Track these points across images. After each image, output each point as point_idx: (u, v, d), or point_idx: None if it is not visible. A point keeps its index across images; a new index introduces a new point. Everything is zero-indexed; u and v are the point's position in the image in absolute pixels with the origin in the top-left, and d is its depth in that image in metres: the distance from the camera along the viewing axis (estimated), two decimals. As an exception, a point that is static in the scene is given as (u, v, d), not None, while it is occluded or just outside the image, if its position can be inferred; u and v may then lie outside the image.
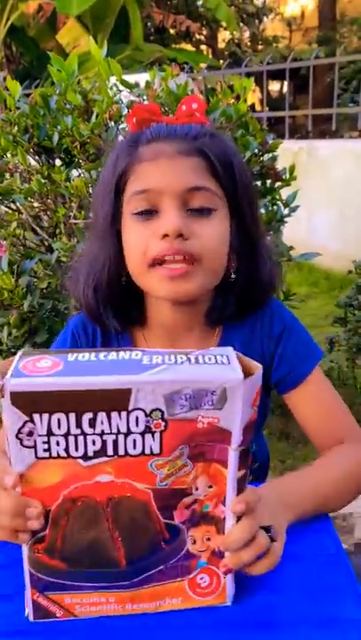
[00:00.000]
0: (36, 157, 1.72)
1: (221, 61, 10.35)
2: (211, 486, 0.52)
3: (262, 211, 1.61)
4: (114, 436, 0.47)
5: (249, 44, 11.85)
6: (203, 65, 8.65)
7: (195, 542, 0.53)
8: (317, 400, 0.78)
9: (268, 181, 1.71)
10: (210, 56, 11.02)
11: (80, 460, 0.48)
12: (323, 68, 8.01)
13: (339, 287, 3.55)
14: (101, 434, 0.47)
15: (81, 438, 0.47)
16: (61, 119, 1.61)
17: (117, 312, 0.77)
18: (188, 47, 11.00)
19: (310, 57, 4.31)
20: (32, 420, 0.46)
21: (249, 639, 0.54)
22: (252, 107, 10.72)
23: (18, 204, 1.65)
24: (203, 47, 11.80)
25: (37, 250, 1.62)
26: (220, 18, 8.56)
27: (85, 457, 0.48)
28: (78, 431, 0.46)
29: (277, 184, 1.73)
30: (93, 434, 0.47)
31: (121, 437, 0.47)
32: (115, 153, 0.75)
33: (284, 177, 1.72)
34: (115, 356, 0.48)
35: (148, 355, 0.48)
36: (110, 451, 0.47)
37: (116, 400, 0.45)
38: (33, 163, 1.70)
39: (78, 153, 1.58)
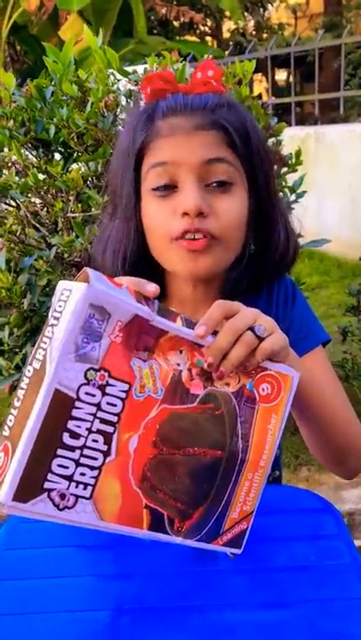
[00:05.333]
0: (34, 152, 1.68)
1: (226, 52, 10.27)
2: (181, 351, 0.51)
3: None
4: None
5: (254, 32, 11.69)
6: (207, 55, 8.53)
7: (228, 384, 0.54)
8: (320, 375, 0.74)
9: (274, 167, 1.65)
10: (215, 47, 10.89)
11: None
12: (329, 55, 7.84)
13: (351, 275, 3.47)
14: None
15: None
16: (57, 111, 1.56)
17: None
18: (193, 39, 10.88)
19: (315, 41, 4.22)
20: None
21: (253, 615, 0.49)
22: (259, 96, 10.59)
23: (17, 201, 1.61)
24: (208, 38, 11.67)
25: (37, 247, 1.58)
26: (224, 7, 8.44)
27: None
28: None
29: (283, 170, 1.67)
30: None
31: None
32: (130, 129, 0.74)
33: (289, 162, 1.66)
34: None
35: None
36: None
37: None
38: (31, 157, 1.65)
39: (75, 145, 1.53)
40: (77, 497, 0.46)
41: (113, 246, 0.76)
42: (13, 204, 1.67)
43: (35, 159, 1.63)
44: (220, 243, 0.70)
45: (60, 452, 0.45)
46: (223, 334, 0.51)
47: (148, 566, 0.59)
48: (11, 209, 1.65)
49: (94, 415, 0.46)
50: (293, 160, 1.66)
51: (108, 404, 0.47)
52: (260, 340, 0.52)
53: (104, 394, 0.47)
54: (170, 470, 0.51)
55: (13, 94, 1.63)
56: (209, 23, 11.45)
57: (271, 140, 1.62)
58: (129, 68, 1.99)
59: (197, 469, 0.53)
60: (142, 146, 0.71)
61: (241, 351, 0.52)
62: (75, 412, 0.45)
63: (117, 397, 0.47)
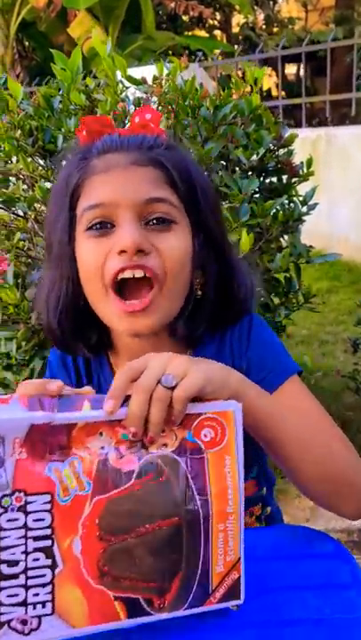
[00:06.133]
0: (42, 161, 1.66)
1: (236, 47, 10.13)
2: (101, 433, 0.49)
3: (278, 209, 1.52)
4: None
5: (264, 27, 11.57)
6: (217, 51, 8.48)
7: (166, 445, 0.51)
8: (292, 411, 0.67)
9: (285, 177, 1.62)
10: (224, 41, 10.80)
11: None
12: (341, 50, 7.74)
13: (362, 279, 3.43)
14: None
15: None
16: (64, 121, 1.54)
17: (83, 339, 0.72)
18: (202, 33, 10.80)
19: (328, 38, 4.15)
20: None
21: None
22: (268, 92, 10.49)
23: (23, 211, 1.59)
24: (217, 32, 11.57)
25: (44, 259, 1.57)
26: (234, 2, 8.36)
27: None
28: None
29: (294, 180, 1.64)
30: None
31: None
32: (65, 169, 0.70)
33: (300, 172, 1.63)
34: None
35: None
36: None
37: None
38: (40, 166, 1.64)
39: (83, 156, 1.51)
40: (39, 617, 0.46)
41: (46, 296, 0.71)
42: (21, 213, 1.66)
43: (42, 169, 1.61)
44: (164, 287, 0.64)
45: (3, 584, 0.45)
46: (134, 400, 0.49)
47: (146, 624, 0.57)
48: (19, 219, 1.63)
49: (25, 537, 0.46)
50: (305, 170, 1.63)
51: (34, 520, 0.46)
52: (173, 389, 0.49)
53: (27, 513, 0.46)
54: (128, 556, 0.49)
55: (21, 102, 1.61)
56: (218, 17, 11.35)
57: (282, 151, 1.59)
58: (137, 70, 1.96)
59: (157, 544, 0.50)
60: (76, 186, 0.66)
61: (158, 410, 0.49)
62: (3, 543, 0.45)
63: (43, 511, 0.46)
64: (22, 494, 0.46)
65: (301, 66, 10.44)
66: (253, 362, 0.72)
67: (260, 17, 11.74)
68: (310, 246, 1.59)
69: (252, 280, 0.75)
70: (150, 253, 0.63)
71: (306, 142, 3.62)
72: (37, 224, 1.58)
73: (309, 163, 1.64)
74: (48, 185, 1.54)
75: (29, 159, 1.54)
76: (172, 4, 8.77)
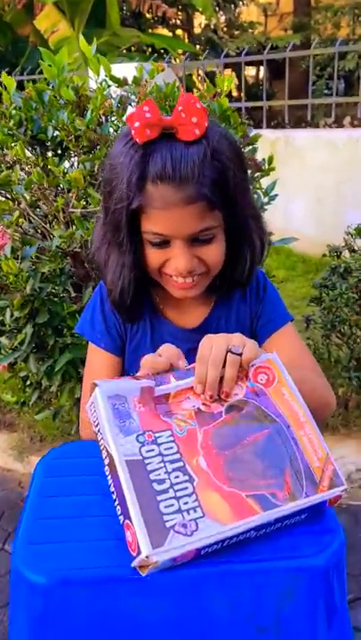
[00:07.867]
0: (30, 149, 1.82)
1: (198, 46, 10.34)
2: (188, 397, 0.67)
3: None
4: None
5: (225, 29, 11.85)
6: (180, 50, 8.67)
7: (237, 394, 0.68)
8: (289, 347, 0.93)
9: (249, 172, 1.85)
10: (186, 40, 11.01)
11: None
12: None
13: (315, 270, 3.72)
14: None
15: None
16: (55, 114, 1.71)
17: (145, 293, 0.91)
18: (165, 32, 10.96)
19: (286, 45, 4.44)
20: None
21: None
22: (229, 93, 10.76)
23: (15, 194, 1.75)
24: (179, 32, 11.76)
25: (34, 237, 1.73)
26: (197, 5, 8.58)
27: None
28: None
29: (257, 174, 1.87)
30: None
31: None
32: (124, 171, 0.78)
33: (263, 167, 1.86)
34: None
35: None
36: None
37: None
38: (28, 154, 1.80)
39: (73, 146, 1.69)
40: (195, 520, 0.57)
41: (115, 267, 0.85)
42: (9, 196, 1.81)
43: (32, 156, 1.78)
44: (207, 277, 0.84)
45: (159, 497, 0.58)
46: (210, 371, 0.67)
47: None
48: (5, 200, 1.78)
49: (163, 461, 0.61)
50: (267, 165, 1.87)
51: (166, 449, 0.62)
52: (240, 354, 0.68)
53: (158, 445, 0.62)
54: (243, 462, 0.63)
55: (13, 95, 1.77)
56: (181, 17, 11.53)
57: (248, 148, 1.81)
58: (117, 68, 2.13)
59: (260, 450, 0.64)
60: (139, 206, 0.78)
61: (231, 370, 0.67)
62: (149, 467, 0.60)
63: (169, 442, 0.62)
64: (151, 432, 0.62)
65: (261, 67, 10.76)
66: (265, 309, 0.97)
67: (222, 19, 12.00)
68: (270, 232, 1.82)
69: (264, 239, 0.92)
70: (197, 265, 0.82)
71: (266, 143, 3.87)
72: (28, 207, 1.74)
73: (270, 159, 1.87)
74: (39, 170, 1.70)
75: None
76: (137, 2, 8.89)
